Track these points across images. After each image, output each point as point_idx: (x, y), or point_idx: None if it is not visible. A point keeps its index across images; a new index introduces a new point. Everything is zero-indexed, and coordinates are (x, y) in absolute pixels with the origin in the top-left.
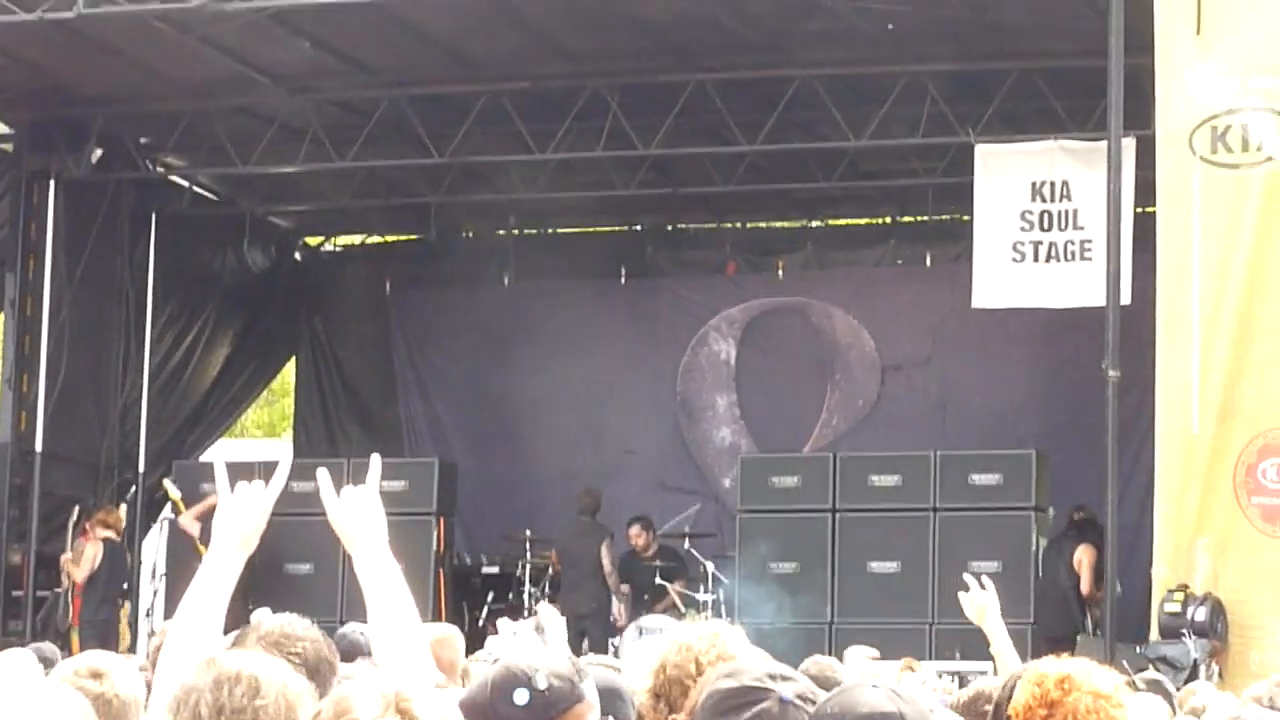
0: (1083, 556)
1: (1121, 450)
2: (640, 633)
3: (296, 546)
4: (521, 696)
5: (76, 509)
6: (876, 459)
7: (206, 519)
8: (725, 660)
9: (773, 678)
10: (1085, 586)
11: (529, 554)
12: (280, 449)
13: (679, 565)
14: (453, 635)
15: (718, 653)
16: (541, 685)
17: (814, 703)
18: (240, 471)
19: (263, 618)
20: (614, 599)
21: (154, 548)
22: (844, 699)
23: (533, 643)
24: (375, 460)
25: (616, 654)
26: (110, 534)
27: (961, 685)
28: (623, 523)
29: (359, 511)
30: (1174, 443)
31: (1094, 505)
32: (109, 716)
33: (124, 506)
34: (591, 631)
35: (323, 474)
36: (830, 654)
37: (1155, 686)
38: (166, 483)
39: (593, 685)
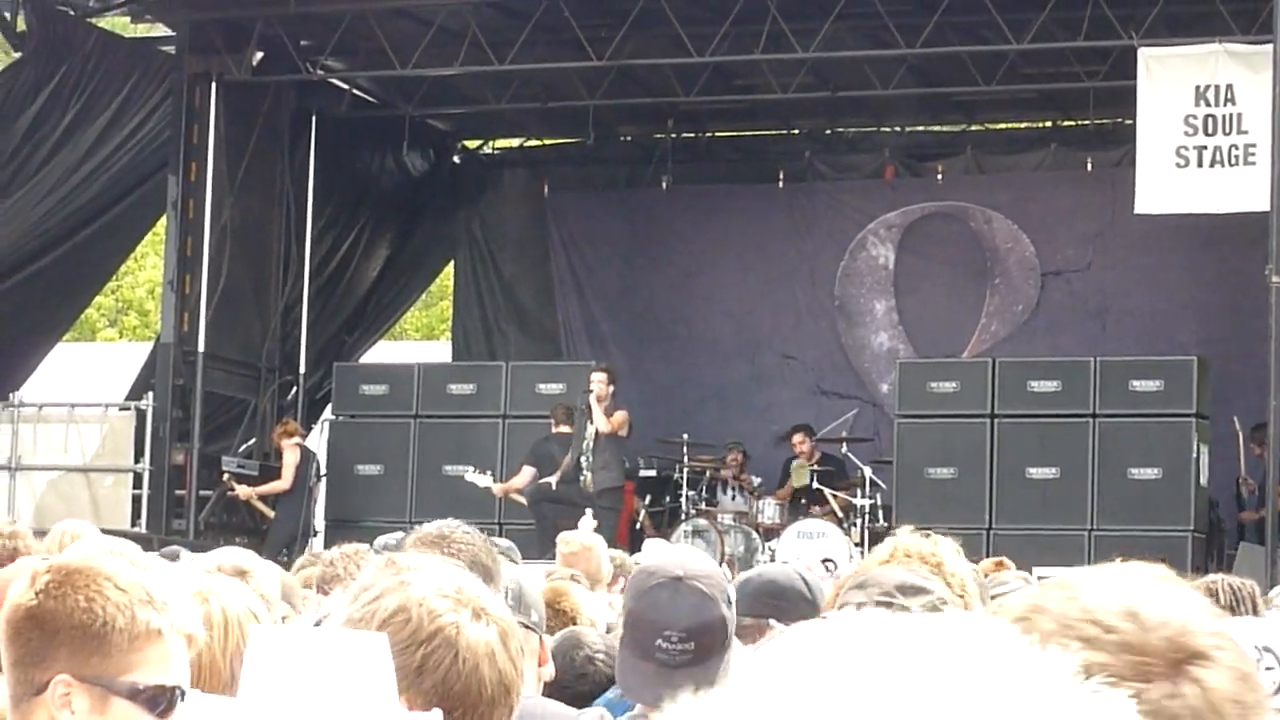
0: None
1: None
2: (799, 535)
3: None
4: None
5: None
6: (1036, 364)
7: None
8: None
9: (902, 590)
10: None
11: (686, 458)
12: (439, 351)
13: (836, 470)
14: (594, 545)
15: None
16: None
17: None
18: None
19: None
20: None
21: (314, 448)
22: None
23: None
24: None
25: (773, 558)
26: (297, 439)
27: None
28: (782, 428)
29: None
30: None
31: (1255, 413)
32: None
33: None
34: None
35: None
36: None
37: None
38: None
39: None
